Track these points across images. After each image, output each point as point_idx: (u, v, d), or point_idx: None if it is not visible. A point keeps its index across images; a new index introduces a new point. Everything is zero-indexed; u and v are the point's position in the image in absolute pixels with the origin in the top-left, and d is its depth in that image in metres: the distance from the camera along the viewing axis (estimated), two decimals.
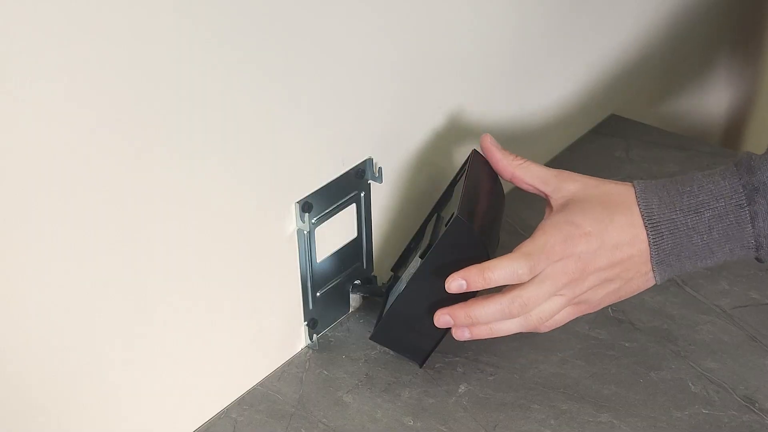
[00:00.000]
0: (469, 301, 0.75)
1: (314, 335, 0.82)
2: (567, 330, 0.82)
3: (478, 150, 0.81)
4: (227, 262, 0.72)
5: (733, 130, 1.54)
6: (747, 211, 0.73)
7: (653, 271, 0.75)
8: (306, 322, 0.81)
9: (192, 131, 0.64)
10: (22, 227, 0.56)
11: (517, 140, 1.01)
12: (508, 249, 0.95)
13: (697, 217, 0.74)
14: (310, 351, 0.82)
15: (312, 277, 0.79)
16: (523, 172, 0.80)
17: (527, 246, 0.74)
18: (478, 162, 0.80)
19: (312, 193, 0.76)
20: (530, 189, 0.80)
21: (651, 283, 0.77)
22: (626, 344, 0.82)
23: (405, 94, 0.83)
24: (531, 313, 0.75)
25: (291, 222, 0.76)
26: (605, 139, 1.12)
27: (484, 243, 0.74)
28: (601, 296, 0.76)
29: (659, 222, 0.74)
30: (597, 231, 0.75)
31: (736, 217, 0.73)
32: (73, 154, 0.57)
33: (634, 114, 1.19)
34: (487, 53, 0.91)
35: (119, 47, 0.57)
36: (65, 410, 0.64)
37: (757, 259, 0.75)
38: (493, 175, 0.81)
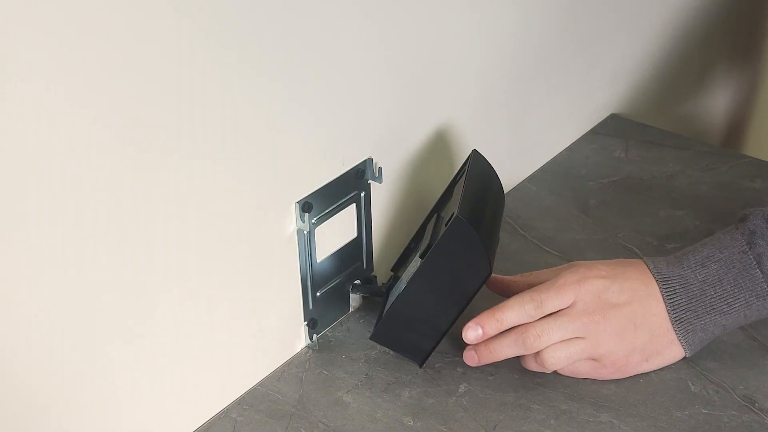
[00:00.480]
0: (492, 338, 0.77)
1: (314, 335, 0.82)
2: None
3: (478, 150, 0.82)
4: (227, 262, 0.72)
5: (734, 129, 1.54)
6: (750, 256, 0.74)
7: (675, 331, 0.76)
8: (306, 322, 0.81)
9: (192, 131, 0.64)
10: (22, 227, 0.56)
11: (517, 140, 1.01)
12: (508, 249, 0.95)
13: (705, 270, 0.75)
14: (310, 351, 0.82)
15: (312, 277, 0.79)
16: (537, 275, 0.81)
17: (540, 285, 0.76)
18: (478, 162, 0.80)
19: (312, 193, 0.76)
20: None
21: (678, 349, 0.77)
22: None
23: (405, 94, 0.83)
24: (544, 352, 0.75)
25: (291, 222, 0.76)
26: (605, 139, 1.12)
27: (484, 243, 0.74)
28: (625, 351, 0.76)
29: (669, 277, 0.76)
30: (612, 274, 0.76)
31: (742, 264, 0.75)
32: (72, 155, 0.57)
33: (634, 114, 1.19)
34: (487, 53, 0.91)
35: (118, 48, 0.57)
36: (65, 410, 0.64)
37: None
38: (493, 175, 0.81)
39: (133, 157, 0.61)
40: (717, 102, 1.49)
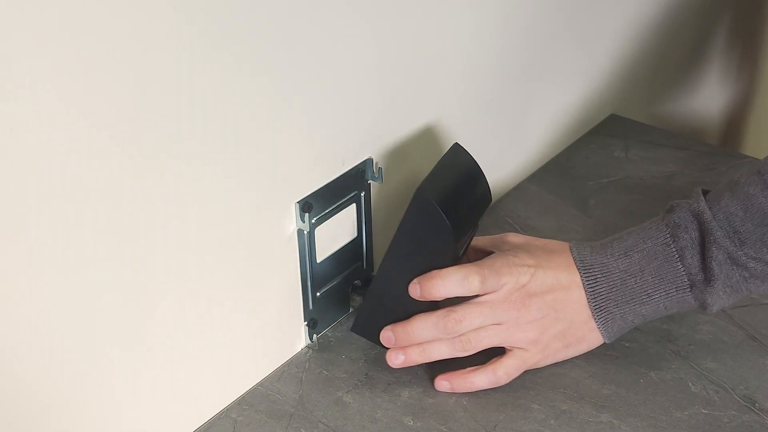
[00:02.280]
0: (412, 320, 0.77)
1: (314, 335, 0.82)
2: None
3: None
4: (227, 262, 0.72)
5: (733, 129, 1.55)
6: (673, 249, 0.74)
7: (594, 319, 0.76)
8: (306, 322, 0.81)
9: (191, 133, 0.64)
10: (22, 228, 0.56)
11: (517, 140, 1.01)
12: None
13: (628, 260, 0.75)
14: (310, 351, 0.82)
15: (312, 277, 0.79)
16: (474, 240, 0.82)
17: (471, 265, 0.76)
18: (456, 153, 0.80)
19: (312, 193, 0.76)
20: (479, 251, 0.81)
21: (597, 336, 0.78)
22: (626, 344, 0.82)
23: (405, 95, 0.83)
24: (464, 336, 0.76)
25: (291, 222, 0.76)
26: (605, 139, 1.12)
27: (450, 223, 0.73)
28: (545, 338, 0.76)
29: (591, 265, 0.76)
30: (537, 264, 0.76)
31: (665, 256, 0.75)
32: (72, 155, 0.57)
33: (633, 114, 1.19)
34: (486, 54, 0.91)
35: (119, 51, 0.57)
36: (65, 410, 0.64)
37: (702, 307, 0.75)
38: (473, 168, 0.80)
39: (133, 158, 0.61)
40: (716, 102, 1.49)
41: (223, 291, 0.72)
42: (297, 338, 0.81)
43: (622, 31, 1.12)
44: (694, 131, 1.44)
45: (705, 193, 0.75)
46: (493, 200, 1.00)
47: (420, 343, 0.77)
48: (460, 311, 0.76)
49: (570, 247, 0.78)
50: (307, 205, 0.76)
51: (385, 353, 0.79)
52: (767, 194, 0.71)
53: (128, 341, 0.66)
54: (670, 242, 0.74)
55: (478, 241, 0.82)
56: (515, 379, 0.78)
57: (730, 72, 1.49)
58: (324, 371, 0.80)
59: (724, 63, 1.46)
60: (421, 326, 0.77)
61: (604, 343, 0.79)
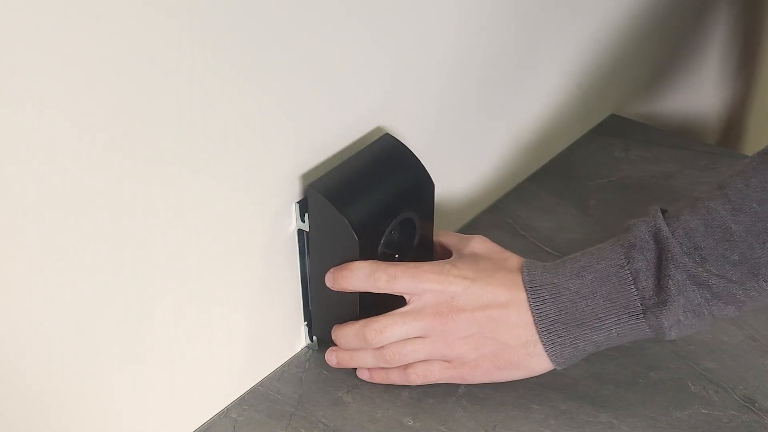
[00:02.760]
0: (338, 325, 0.76)
1: (314, 335, 0.82)
2: None
3: (392, 134, 0.80)
4: (227, 262, 0.72)
5: (732, 129, 1.55)
6: (627, 271, 0.69)
7: (541, 342, 0.72)
8: (306, 322, 0.81)
9: (191, 132, 0.64)
10: (23, 230, 0.56)
11: (516, 141, 1.01)
12: (508, 249, 0.94)
13: (580, 281, 0.70)
14: (310, 351, 0.82)
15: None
16: (440, 236, 0.80)
17: (407, 264, 0.73)
18: (382, 143, 0.78)
19: None
20: (445, 248, 0.79)
21: (543, 362, 0.73)
22: (625, 344, 0.82)
23: (405, 95, 0.83)
24: (386, 348, 0.74)
25: (291, 222, 0.76)
26: (605, 139, 1.12)
27: (350, 220, 0.72)
28: (475, 356, 0.73)
29: (540, 285, 0.72)
30: (475, 277, 0.73)
31: (618, 278, 0.69)
32: (72, 156, 0.57)
33: (634, 114, 1.19)
34: (486, 53, 0.91)
35: (114, 53, 0.57)
36: (65, 410, 0.64)
37: (659, 334, 0.70)
38: (401, 156, 0.77)
39: (133, 159, 0.61)
40: (716, 102, 1.49)
41: (222, 291, 0.72)
42: (297, 338, 0.81)
43: (622, 31, 1.12)
44: (693, 131, 1.44)
45: (664, 211, 0.71)
46: (493, 200, 1.00)
47: (350, 351, 0.76)
48: (382, 321, 0.73)
49: (523, 265, 0.74)
50: (307, 205, 0.76)
51: None
52: (728, 208, 0.66)
53: (128, 341, 0.66)
54: (624, 264, 0.69)
55: (448, 238, 0.80)
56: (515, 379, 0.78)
57: (729, 72, 1.49)
58: (324, 371, 0.80)
59: (723, 63, 1.46)
60: (346, 334, 0.75)
61: (554, 369, 0.74)
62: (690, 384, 0.78)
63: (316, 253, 0.76)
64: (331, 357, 0.78)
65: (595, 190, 1.02)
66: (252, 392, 0.78)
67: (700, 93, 1.42)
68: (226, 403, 0.76)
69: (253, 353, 0.78)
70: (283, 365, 0.80)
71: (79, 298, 0.62)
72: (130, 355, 0.67)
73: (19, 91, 0.53)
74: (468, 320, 0.72)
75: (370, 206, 0.74)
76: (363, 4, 0.73)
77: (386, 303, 0.74)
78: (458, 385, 0.78)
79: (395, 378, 0.76)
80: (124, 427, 0.69)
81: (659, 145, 1.10)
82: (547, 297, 0.71)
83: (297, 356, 0.81)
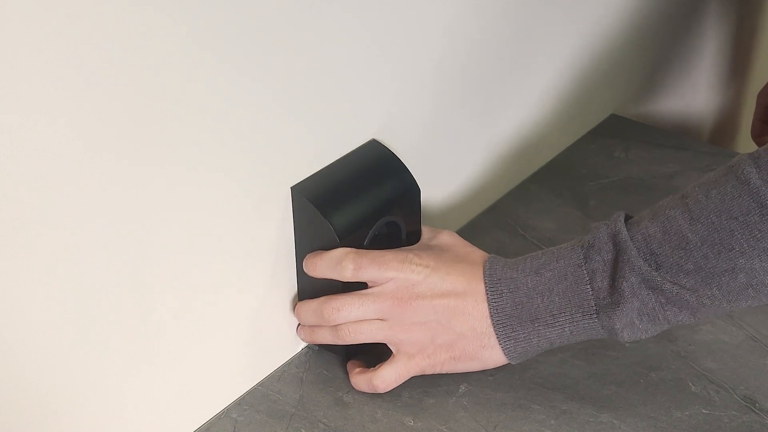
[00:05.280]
0: (301, 302, 0.77)
1: None
2: None
3: (379, 141, 0.80)
4: (227, 262, 0.72)
5: (733, 129, 1.55)
6: (584, 270, 0.70)
7: (496, 335, 0.73)
8: None
9: (191, 132, 0.64)
10: (23, 229, 0.56)
11: (517, 141, 1.01)
12: (508, 249, 0.95)
13: (538, 278, 0.72)
14: (311, 351, 0.82)
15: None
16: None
17: (368, 251, 0.74)
18: (368, 149, 0.79)
19: None
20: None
21: (497, 355, 0.74)
22: (626, 344, 0.82)
23: (405, 95, 0.83)
24: (342, 326, 0.74)
25: (291, 219, 0.76)
26: (605, 139, 1.12)
27: (333, 223, 0.73)
28: (432, 346, 0.74)
29: (500, 279, 0.73)
30: (436, 266, 0.74)
31: (575, 277, 0.71)
32: (71, 155, 0.57)
33: (634, 114, 1.19)
34: (485, 53, 0.91)
35: (114, 51, 0.57)
36: (65, 411, 0.64)
37: (612, 335, 0.71)
38: (387, 161, 0.78)
39: (131, 157, 0.61)
40: (717, 102, 1.49)
41: (222, 290, 0.72)
42: (297, 338, 0.81)
43: (621, 32, 1.12)
44: (693, 131, 1.44)
45: (629, 217, 0.72)
46: (494, 200, 1.00)
47: (312, 327, 0.77)
48: (340, 300, 0.74)
49: (486, 259, 0.75)
50: None
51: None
52: (686, 217, 0.67)
53: (128, 341, 0.66)
54: (582, 263, 0.71)
55: (423, 232, 0.81)
56: (515, 379, 0.78)
57: (730, 72, 1.49)
58: (324, 371, 0.80)
59: (724, 63, 1.46)
60: (305, 310, 0.76)
61: (509, 364, 0.75)
62: (691, 384, 0.78)
63: (302, 255, 0.76)
64: (299, 332, 0.79)
65: (596, 190, 1.02)
66: (252, 392, 0.78)
67: (699, 93, 1.42)
68: (226, 403, 0.76)
69: (253, 353, 0.78)
70: (283, 365, 0.80)
71: (79, 299, 0.62)
72: (131, 356, 0.67)
73: (22, 87, 0.53)
74: (425, 307, 0.73)
75: (353, 209, 0.75)
76: (356, 18, 0.74)
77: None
78: (459, 385, 0.78)
79: (363, 385, 0.77)
80: (124, 427, 0.69)
81: (660, 146, 1.10)
82: (504, 291, 0.73)
83: (297, 356, 0.81)
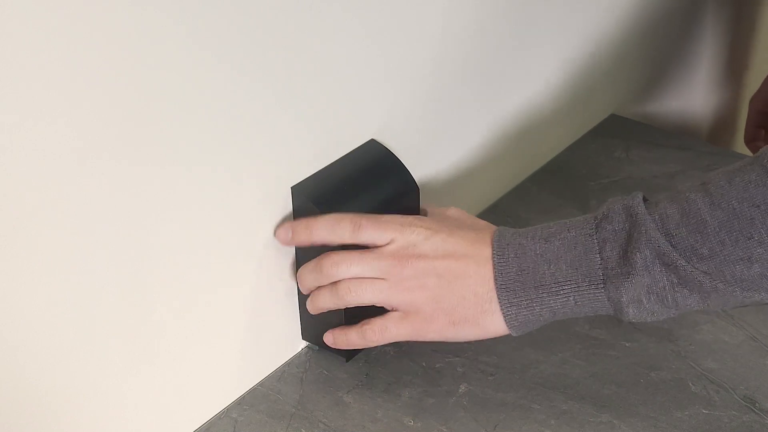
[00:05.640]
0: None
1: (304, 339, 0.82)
2: (567, 330, 0.82)
3: (377, 140, 0.80)
4: (227, 262, 0.72)
5: (734, 129, 1.55)
6: (595, 239, 0.68)
7: (498, 301, 0.70)
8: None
9: (191, 132, 0.64)
10: (22, 229, 0.56)
11: (517, 141, 1.01)
12: None
13: (547, 245, 0.70)
14: (311, 351, 0.82)
15: None
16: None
17: (366, 214, 0.73)
18: (367, 149, 0.79)
19: None
20: None
21: (498, 323, 0.71)
22: (626, 344, 0.82)
23: (404, 95, 0.83)
24: (341, 284, 0.72)
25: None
26: (605, 139, 1.12)
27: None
28: (431, 308, 0.71)
29: (508, 244, 0.71)
30: (438, 229, 0.72)
31: (585, 246, 0.69)
32: (71, 155, 0.57)
33: (634, 114, 1.19)
34: (485, 53, 0.91)
35: (114, 50, 0.57)
36: (65, 411, 0.64)
37: (617, 310, 0.69)
38: (386, 161, 0.78)
39: (132, 156, 0.61)
40: (717, 102, 1.49)
41: (222, 290, 0.72)
42: (297, 338, 0.81)
43: (621, 31, 1.12)
44: (695, 131, 1.44)
45: (646, 199, 0.70)
46: (494, 200, 1.00)
47: (313, 294, 0.75)
48: (339, 255, 0.72)
49: (497, 228, 0.73)
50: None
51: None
52: (707, 202, 0.66)
53: (128, 342, 0.66)
54: (593, 233, 0.68)
55: (426, 207, 0.80)
56: (515, 379, 0.78)
57: (730, 72, 1.49)
58: (324, 371, 0.80)
59: (724, 62, 1.46)
60: (304, 271, 0.74)
61: (510, 335, 0.72)
62: (691, 384, 0.78)
63: (303, 257, 0.76)
64: (307, 306, 0.76)
65: (596, 190, 1.02)
66: (252, 392, 0.78)
67: (700, 92, 1.42)
68: (226, 403, 0.76)
69: (253, 353, 0.78)
70: (283, 365, 0.80)
71: (79, 299, 0.62)
72: (131, 356, 0.67)
73: (21, 87, 0.53)
74: (426, 267, 0.71)
75: (352, 209, 0.74)
76: (355, 18, 0.74)
77: (370, 307, 0.74)
78: (459, 385, 0.78)
79: (354, 339, 0.75)
80: (124, 427, 0.69)
81: (660, 146, 1.10)
82: (511, 256, 0.71)
83: (297, 356, 0.81)
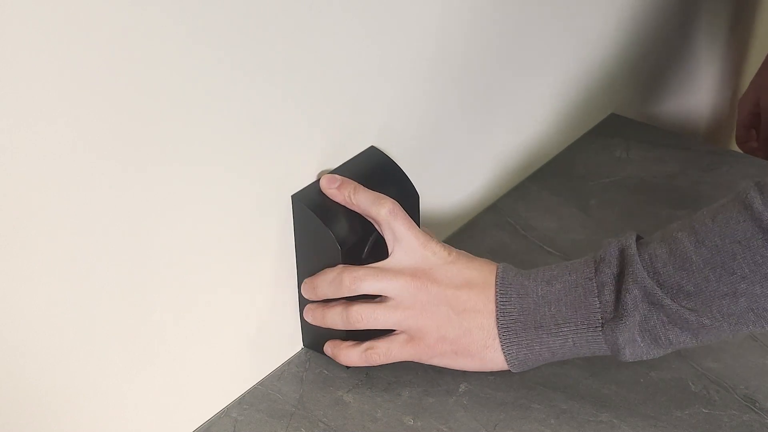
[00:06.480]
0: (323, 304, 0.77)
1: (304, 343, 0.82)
2: None
3: (378, 148, 0.81)
4: (227, 261, 0.72)
5: (733, 128, 1.55)
6: (594, 283, 0.71)
7: (499, 339, 0.73)
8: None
9: (192, 138, 0.64)
10: (22, 229, 0.56)
11: (517, 140, 1.01)
12: (509, 249, 0.95)
13: (548, 288, 0.73)
14: (310, 350, 0.82)
15: None
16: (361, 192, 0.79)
17: (376, 266, 0.75)
18: (368, 156, 0.79)
19: None
20: None
21: (498, 360, 0.74)
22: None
23: (404, 100, 0.83)
24: (354, 310, 0.74)
25: (290, 220, 0.76)
26: (605, 139, 1.12)
27: (334, 231, 0.73)
28: (437, 336, 0.74)
29: (510, 285, 0.74)
30: (457, 258, 0.75)
31: (584, 289, 0.72)
32: (71, 156, 0.57)
33: (634, 114, 1.19)
34: (485, 54, 0.91)
35: (116, 50, 0.57)
36: (65, 410, 0.64)
37: (615, 351, 0.71)
38: (386, 168, 0.79)
39: (133, 161, 0.61)
40: (717, 102, 1.49)
41: (222, 290, 0.72)
42: (297, 338, 0.81)
43: (622, 31, 1.12)
44: (695, 131, 1.44)
45: (640, 238, 0.73)
46: (494, 200, 1.00)
47: (323, 308, 0.76)
48: (362, 270, 0.73)
49: (499, 265, 0.75)
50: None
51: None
52: (692, 240, 0.68)
53: (128, 341, 0.66)
54: (593, 276, 0.71)
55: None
56: (515, 378, 0.78)
57: (729, 72, 1.49)
58: (324, 371, 0.80)
59: (725, 62, 1.46)
60: (324, 280, 0.75)
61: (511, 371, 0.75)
62: (691, 383, 0.78)
63: (303, 263, 0.76)
64: (307, 314, 0.78)
65: (597, 189, 1.02)
66: (252, 392, 0.78)
67: (699, 92, 1.42)
68: (226, 403, 0.76)
69: (253, 353, 0.78)
70: (283, 365, 0.80)
71: (79, 299, 0.62)
72: (131, 356, 0.67)
73: (22, 86, 0.53)
74: (438, 295, 0.73)
75: (353, 217, 0.75)
76: (355, 25, 0.74)
77: None
78: (459, 384, 0.78)
79: (355, 359, 0.76)
80: (124, 427, 0.69)
81: (661, 146, 1.10)
82: (513, 296, 0.73)
83: (297, 356, 0.81)
